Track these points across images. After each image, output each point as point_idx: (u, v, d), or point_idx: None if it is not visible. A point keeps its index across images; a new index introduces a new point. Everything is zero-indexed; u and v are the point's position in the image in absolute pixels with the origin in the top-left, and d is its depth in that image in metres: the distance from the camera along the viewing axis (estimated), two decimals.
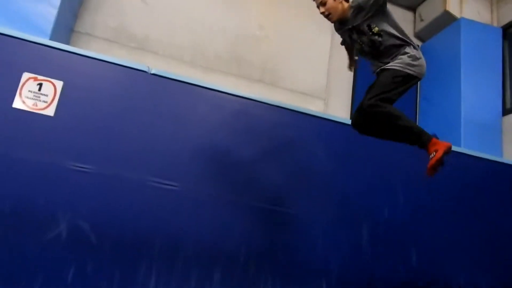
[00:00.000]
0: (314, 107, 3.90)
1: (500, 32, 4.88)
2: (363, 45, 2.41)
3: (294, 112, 3.37)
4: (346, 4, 2.37)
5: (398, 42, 2.34)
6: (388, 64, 2.34)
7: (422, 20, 5.39)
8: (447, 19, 5.03)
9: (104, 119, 2.92)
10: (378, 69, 2.43)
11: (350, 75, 4.64)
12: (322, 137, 3.40)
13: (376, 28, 2.31)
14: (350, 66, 2.79)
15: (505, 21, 4.91)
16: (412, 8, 5.59)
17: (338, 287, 3.10)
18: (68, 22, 3.95)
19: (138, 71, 3.06)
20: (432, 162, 2.20)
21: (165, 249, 2.82)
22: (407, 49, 2.35)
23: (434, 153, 2.21)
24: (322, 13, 2.40)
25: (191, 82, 3.19)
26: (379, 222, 3.28)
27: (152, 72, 3.09)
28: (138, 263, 2.75)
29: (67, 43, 3.85)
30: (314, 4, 2.47)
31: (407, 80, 2.35)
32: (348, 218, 3.27)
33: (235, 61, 3.98)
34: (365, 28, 2.32)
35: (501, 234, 3.66)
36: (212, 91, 3.22)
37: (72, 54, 2.95)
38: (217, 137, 3.16)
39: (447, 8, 4.97)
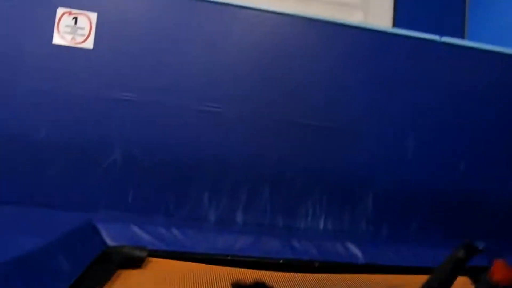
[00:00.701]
0: (353, 18, 3.71)
1: None
2: None
3: (332, 25, 3.22)
4: None
5: None
6: None
7: None
8: None
9: (143, 48, 2.94)
10: None
11: None
12: (363, 50, 3.27)
13: None
14: None
15: None
16: None
17: (384, 196, 3.17)
18: None
19: None
20: None
21: (214, 169, 2.95)
22: None
23: None
24: None
25: (222, 2, 3.10)
26: (425, 133, 3.23)
27: None
28: (189, 184, 2.92)
29: None
30: None
31: None
32: (392, 131, 3.25)
33: None
34: None
35: None
36: (245, 9, 3.10)
37: None
38: (255, 58, 3.11)
39: None
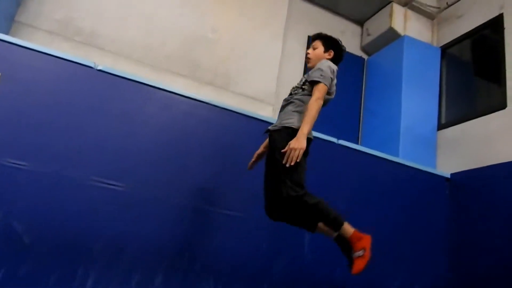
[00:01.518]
0: (263, 112, 3.96)
1: (439, 51, 5.22)
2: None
3: (243, 116, 3.41)
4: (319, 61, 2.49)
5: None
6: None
7: (369, 34, 5.65)
8: (392, 36, 5.31)
9: (45, 115, 2.79)
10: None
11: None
12: None
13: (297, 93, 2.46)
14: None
15: (444, 41, 5.26)
16: (360, 23, 5.84)
17: None
18: (9, 11, 3.73)
19: (83, 67, 2.97)
20: (364, 263, 2.13)
21: (106, 252, 2.74)
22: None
23: (363, 251, 2.15)
24: (307, 53, 2.59)
25: (139, 80, 3.13)
26: None
27: (99, 68, 3.00)
28: (75, 266, 2.66)
29: (7, 33, 3.64)
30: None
31: None
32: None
33: (186, 62, 3.95)
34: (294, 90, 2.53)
35: (432, 240, 3.90)
36: (161, 91, 3.18)
37: (12, 45, 2.80)
38: (165, 138, 3.12)
39: (392, 25, 5.24)
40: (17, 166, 2.63)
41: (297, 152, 2.15)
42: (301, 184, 2.23)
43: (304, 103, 2.36)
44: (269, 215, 2.43)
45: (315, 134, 3.62)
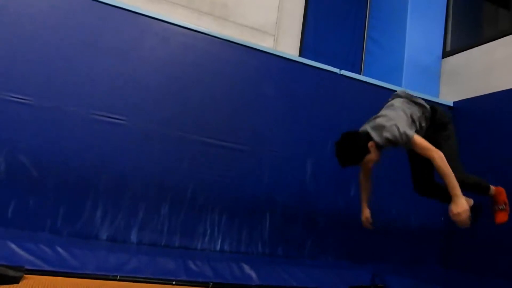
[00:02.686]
0: (264, 44, 3.84)
1: None
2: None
3: (244, 47, 3.31)
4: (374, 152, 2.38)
5: None
6: None
7: None
8: None
9: (41, 48, 2.71)
10: None
11: (300, 12, 4.58)
12: (272, 74, 3.40)
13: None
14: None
15: None
16: None
17: (282, 218, 3.27)
18: None
19: None
20: (506, 216, 2.59)
21: (111, 184, 2.79)
22: None
23: (504, 205, 2.62)
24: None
25: (136, 11, 3.01)
26: (323, 158, 3.41)
27: None
28: (83, 199, 2.72)
29: None
30: None
31: None
32: (293, 154, 3.38)
33: None
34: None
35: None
36: (159, 22, 3.06)
37: None
38: (165, 72, 3.06)
39: None
40: (19, 100, 2.60)
41: (463, 215, 2.17)
42: (459, 169, 2.35)
43: None
44: (420, 193, 2.71)
45: (317, 65, 3.58)
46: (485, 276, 3.38)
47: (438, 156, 2.21)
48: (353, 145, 2.35)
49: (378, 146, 2.35)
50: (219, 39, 3.23)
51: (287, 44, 4.38)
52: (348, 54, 4.93)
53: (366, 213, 2.70)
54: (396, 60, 4.63)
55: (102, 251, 2.61)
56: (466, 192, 2.32)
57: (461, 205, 2.16)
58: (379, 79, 3.98)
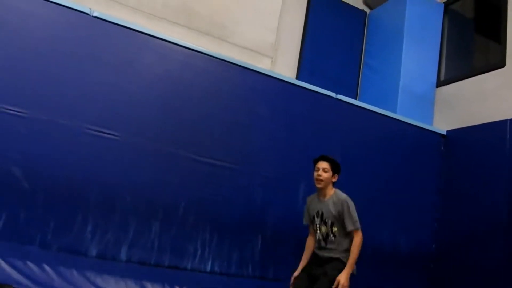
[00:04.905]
0: (261, 65, 3.91)
1: (442, 7, 5.11)
2: (318, 232, 2.85)
3: (241, 68, 3.38)
4: (332, 189, 2.88)
5: (342, 249, 2.77)
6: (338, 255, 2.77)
7: None
8: None
9: (39, 61, 2.75)
10: (323, 256, 2.81)
11: (299, 34, 4.67)
12: (267, 95, 3.46)
13: (335, 229, 2.78)
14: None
15: None
16: None
17: (273, 240, 3.27)
18: None
19: (78, 13, 2.89)
20: None
21: (103, 199, 2.80)
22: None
23: None
24: (318, 176, 2.85)
25: (135, 28, 3.07)
26: None
27: (94, 15, 2.93)
28: (74, 213, 2.72)
29: None
30: None
31: None
32: (286, 176, 3.41)
33: (183, 11, 3.85)
34: (329, 222, 2.80)
35: (424, 194, 4.00)
36: (157, 40, 3.13)
37: None
38: (160, 88, 3.11)
39: None
40: (14, 113, 2.62)
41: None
42: None
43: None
44: None
45: (314, 88, 3.65)
46: None
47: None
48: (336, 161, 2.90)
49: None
50: (216, 59, 3.30)
51: (284, 65, 4.46)
52: (345, 78, 5.01)
53: (298, 272, 2.90)
54: (391, 87, 4.72)
55: (90, 271, 2.59)
56: None
57: (348, 278, 2.64)
58: (374, 105, 4.06)
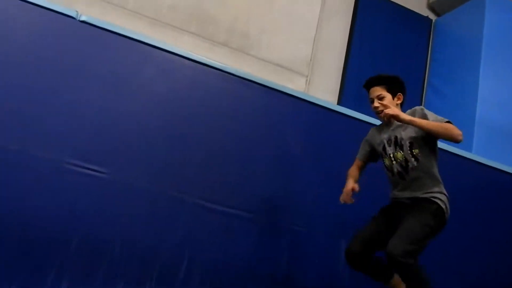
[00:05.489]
0: (292, 85, 3.92)
1: None
2: (394, 163, 2.74)
3: (266, 88, 3.39)
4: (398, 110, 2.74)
5: (430, 179, 2.67)
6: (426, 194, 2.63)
7: None
8: None
9: (11, 74, 2.81)
10: (406, 198, 2.70)
11: (342, 47, 4.68)
12: (300, 123, 3.47)
13: (417, 150, 2.67)
14: None
15: None
16: None
17: None
18: None
19: (63, 16, 2.97)
20: None
21: (83, 254, 2.78)
22: (442, 189, 2.67)
23: None
24: (376, 107, 2.77)
25: (133, 37, 3.14)
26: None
27: (82, 19, 3.01)
28: (45, 271, 2.70)
29: None
30: None
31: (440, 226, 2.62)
32: (321, 230, 3.37)
33: (195, 16, 3.94)
34: (407, 143, 2.68)
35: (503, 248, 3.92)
36: (161, 51, 3.17)
37: None
38: (162, 111, 3.14)
39: None
40: None
41: (389, 113, 2.58)
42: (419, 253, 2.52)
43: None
44: (352, 261, 2.70)
45: (361, 116, 3.61)
46: None
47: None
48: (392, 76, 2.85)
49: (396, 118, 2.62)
50: (234, 76, 3.33)
51: (322, 86, 4.48)
52: (404, 104, 4.98)
53: (352, 183, 2.81)
54: (464, 117, 4.65)
55: None
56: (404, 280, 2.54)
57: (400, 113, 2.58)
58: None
